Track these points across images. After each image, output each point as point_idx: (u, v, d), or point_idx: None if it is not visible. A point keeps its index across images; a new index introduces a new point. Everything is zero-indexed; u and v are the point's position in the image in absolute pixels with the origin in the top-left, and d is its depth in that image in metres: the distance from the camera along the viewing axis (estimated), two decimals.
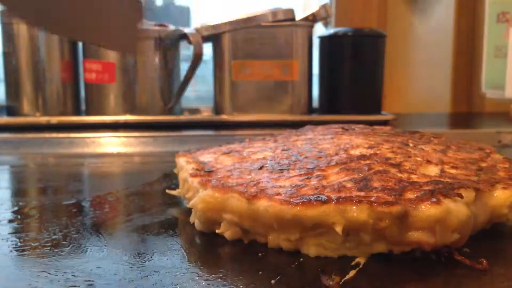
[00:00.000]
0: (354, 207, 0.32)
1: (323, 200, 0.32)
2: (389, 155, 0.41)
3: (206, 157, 0.46)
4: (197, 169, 0.41)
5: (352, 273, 0.31)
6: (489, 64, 1.03)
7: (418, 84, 1.29)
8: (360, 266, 0.32)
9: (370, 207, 0.32)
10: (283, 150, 0.45)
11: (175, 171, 0.47)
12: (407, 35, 1.31)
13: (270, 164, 0.41)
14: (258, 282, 0.30)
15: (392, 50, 1.09)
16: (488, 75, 1.04)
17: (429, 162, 0.40)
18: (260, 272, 0.31)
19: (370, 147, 0.43)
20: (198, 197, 0.37)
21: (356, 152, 0.42)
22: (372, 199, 0.32)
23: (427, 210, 0.31)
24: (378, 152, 0.42)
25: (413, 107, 1.27)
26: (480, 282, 0.30)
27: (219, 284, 0.29)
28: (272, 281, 0.30)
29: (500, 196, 0.36)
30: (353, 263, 0.32)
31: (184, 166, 0.44)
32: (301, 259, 0.33)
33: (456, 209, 0.32)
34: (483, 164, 0.42)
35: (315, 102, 0.98)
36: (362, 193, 0.33)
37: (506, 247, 0.36)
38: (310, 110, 0.95)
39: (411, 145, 0.45)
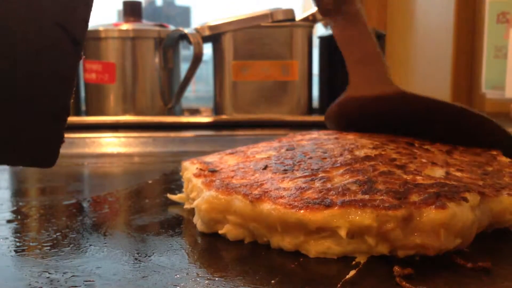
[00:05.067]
0: (359, 211, 0.32)
1: (327, 204, 0.32)
2: (394, 156, 0.41)
3: (211, 157, 0.46)
4: (201, 169, 0.41)
5: (352, 273, 0.31)
6: (489, 64, 1.03)
7: (418, 84, 1.29)
8: (360, 266, 0.32)
9: (375, 210, 0.31)
10: (287, 149, 0.45)
11: (181, 173, 0.47)
12: (407, 35, 1.31)
13: (274, 164, 0.41)
14: (258, 282, 0.30)
15: (392, 50, 1.09)
16: (488, 75, 1.04)
17: (434, 164, 0.40)
18: (260, 272, 0.31)
19: (375, 148, 0.43)
20: (201, 197, 0.37)
21: (361, 152, 0.42)
22: (377, 202, 0.32)
23: (432, 213, 0.31)
24: (383, 152, 0.41)
25: None
26: (480, 282, 0.30)
27: (219, 284, 0.29)
28: (272, 281, 0.30)
29: (504, 202, 0.36)
30: (353, 263, 0.32)
31: (189, 166, 0.44)
32: (301, 259, 0.33)
33: (461, 213, 0.32)
34: (489, 168, 0.41)
35: (315, 102, 0.98)
36: (367, 196, 0.33)
37: (506, 247, 0.36)
38: (310, 110, 0.95)
39: (416, 145, 0.45)
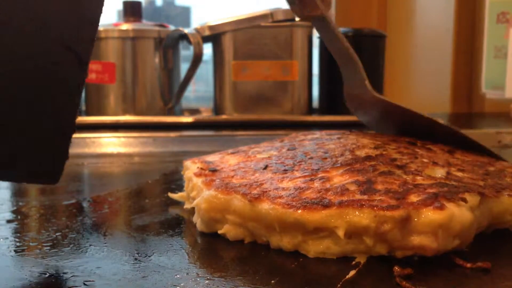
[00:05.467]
0: (356, 212, 0.32)
1: (325, 204, 0.32)
2: (395, 155, 0.41)
3: (212, 156, 0.46)
4: (201, 169, 0.41)
5: (352, 273, 0.31)
6: (489, 64, 1.03)
7: (418, 84, 1.29)
8: (360, 266, 0.32)
9: (373, 211, 0.31)
10: (288, 149, 0.45)
11: (182, 172, 0.47)
12: (407, 35, 1.31)
13: (274, 163, 0.41)
14: (258, 282, 0.30)
15: (392, 50, 1.09)
16: (488, 75, 1.04)
17: (435, 163, 0.40)
18: (260, 272, 0.31)
19: (376, 147, 0.43)
20: (201, 197, 0.37)
21: (362, 153, 0.41)
22: (375, 202, 0.32)
23: (430, 214, 0.31)
24: (384, 152, 0.41)
25: (413, 107, 1.27)
26: (480, 282, 0.30)
27: (219, 284, 0.29)
28: (272, 281, 0.30)
29: (505, 202, 0.36)
30: (353, 263, 0.32)
31: (190, 165, 0.44)
32: (301, 259, 0.33)
33: (460, 214, 0.32)
34: (491, 168, 0.41)
35: (315, 102, 0.98)
36: (365, 197, 0.33)
37: (506, 248, 0.36)
38: (310, 110, 0.95)
39: (418, 144, 0.45)
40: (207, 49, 0.93)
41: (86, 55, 0.31)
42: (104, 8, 0.31)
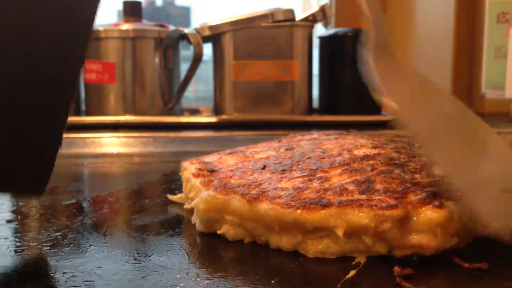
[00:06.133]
0: (356, 211, 0.32)
1: (324, 204, 0.32)
2: (394, 155, 0.41)
3: (210, 157, 0.46)
4: (199, 169, 0.41)
5: (352, 273, 0.31)
6: (489, 65, 1.03)
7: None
8: (360, 266, 0.32)
9: (372, 210, 0.32)
10: (286, 149, 0.45)
11: (180, 173, 0.47)
12: (407, 35, 1.31)
13: (272, 164, 0.41)
14: (258, 282, 0.30)
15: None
16: (488, 76, 1.04)
17: (434, 162, 0.40)
18: (260, 272, 0.31)
19: (375, 147, 0.43)
20: (200, 197, 0.37)
21: (360, 152, 0.42)
22: (374, 202, 0.32)
23: (429, 213, 0.31)
24: (382, 152, 0.41)
25: None
26: (480, 282, 0.30)
27: (219, 284, 0.29)
28: (272, 281, 0.30)
29: None
30: (353, 263, 0.32)
31: (188, 166, 0.44)
32: (301, 259, 0.33)
33: (458, 212, 0.32)
34: None
35: (315, 102, 0.98)
36: (364, 196, 0.33)
37: (506, 248, 0.36)
38: (310, 110, 0.95)
39: (416, 144, 0.45)
40: (207, 49, 0.93)
41: (80, 57, 0.31)
42: (99, 9, 0.31)
